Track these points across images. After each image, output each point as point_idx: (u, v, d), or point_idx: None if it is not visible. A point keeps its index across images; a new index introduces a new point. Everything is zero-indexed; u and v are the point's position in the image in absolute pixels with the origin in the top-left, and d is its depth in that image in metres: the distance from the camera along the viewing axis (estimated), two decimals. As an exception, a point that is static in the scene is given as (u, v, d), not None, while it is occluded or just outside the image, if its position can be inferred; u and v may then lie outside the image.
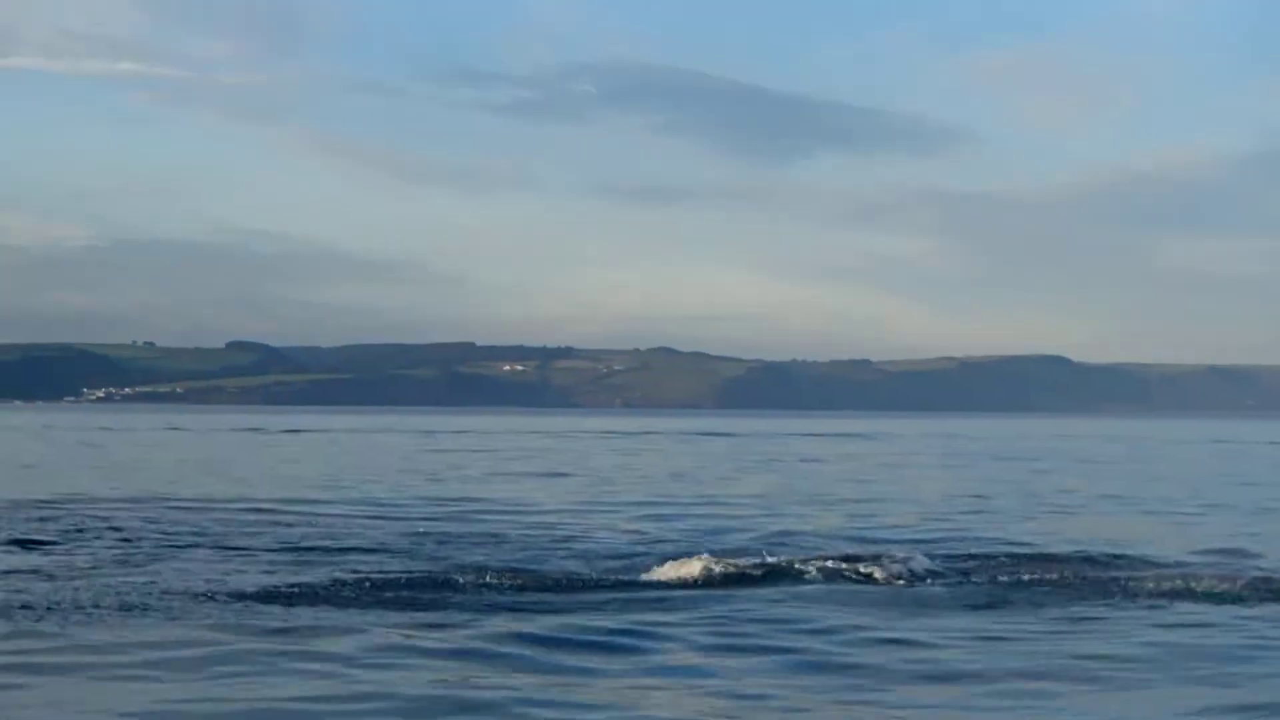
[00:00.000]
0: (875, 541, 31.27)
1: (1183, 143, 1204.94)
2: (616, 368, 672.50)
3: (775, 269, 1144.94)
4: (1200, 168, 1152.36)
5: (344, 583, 23.32)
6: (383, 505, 42.35)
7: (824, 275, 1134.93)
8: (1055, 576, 24.62)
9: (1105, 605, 21.90)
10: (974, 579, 24.85)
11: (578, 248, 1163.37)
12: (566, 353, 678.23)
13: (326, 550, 28.85)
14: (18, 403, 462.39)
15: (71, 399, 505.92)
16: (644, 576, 24.74)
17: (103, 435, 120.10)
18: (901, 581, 24.20)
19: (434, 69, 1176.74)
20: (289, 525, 34.62)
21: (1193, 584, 23.36)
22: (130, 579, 23.66)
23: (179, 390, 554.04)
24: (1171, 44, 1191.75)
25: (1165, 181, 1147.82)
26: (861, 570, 24.85)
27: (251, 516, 37.11)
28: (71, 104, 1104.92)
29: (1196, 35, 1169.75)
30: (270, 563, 26.62)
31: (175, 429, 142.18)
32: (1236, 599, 22.32)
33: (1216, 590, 22.92)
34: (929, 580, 24.51)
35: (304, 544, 29.96)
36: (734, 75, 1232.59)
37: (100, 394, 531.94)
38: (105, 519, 35.37)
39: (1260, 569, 26.34)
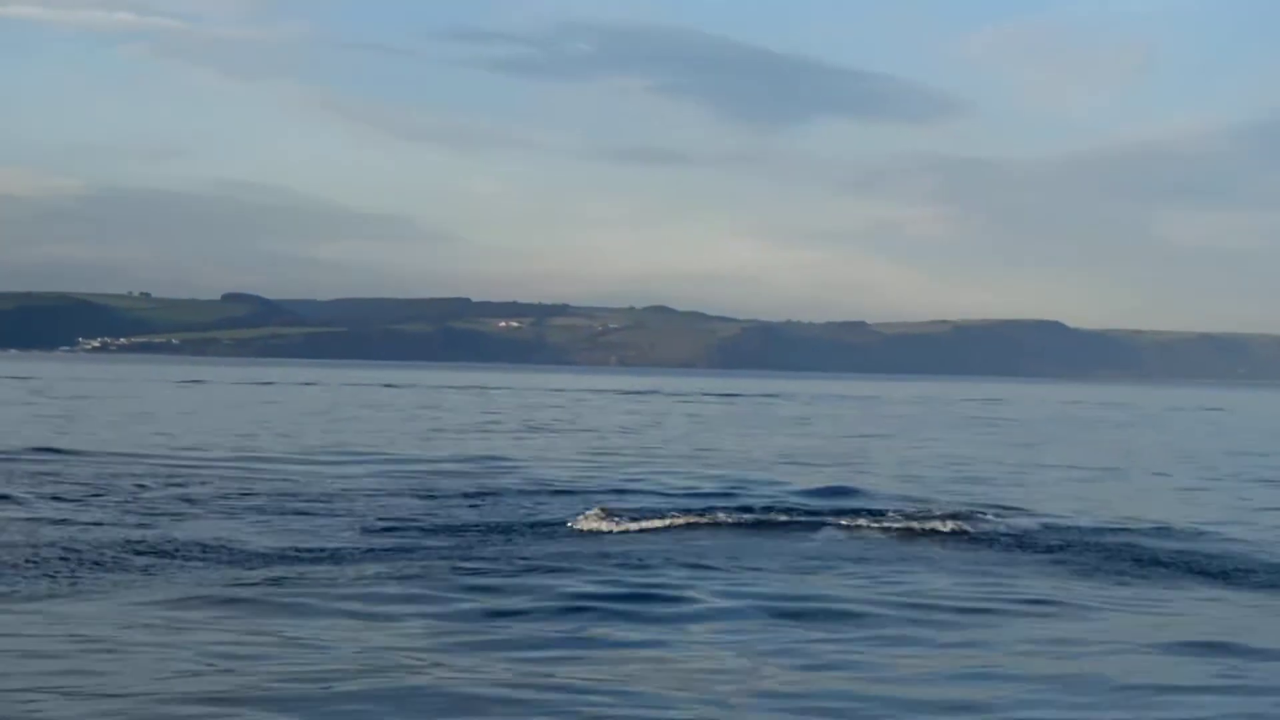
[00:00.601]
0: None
1: (1180, 116, 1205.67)
2: (612, 326, 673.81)
3: (773, 232, 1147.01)
4: (1198, 141, 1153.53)
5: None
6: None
7: (821, 239, 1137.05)
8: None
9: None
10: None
11: (575, 207, 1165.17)
12: (562, 310, 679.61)
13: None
14: (13, 351, 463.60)
15: (67, 349, 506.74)
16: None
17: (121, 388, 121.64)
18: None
19: (432, 26, 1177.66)
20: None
21: None
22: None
23: (174, 341, 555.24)
24: (1171, 18, 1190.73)
25: (1162, 154, 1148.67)
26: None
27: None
28: (69, 55, 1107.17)
29: (1196, 9, 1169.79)
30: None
31: (197, 381, 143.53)
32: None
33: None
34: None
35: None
36: (737, 37, 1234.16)
37: (96, 344, 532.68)
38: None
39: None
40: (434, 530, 26.34)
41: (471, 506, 30.57)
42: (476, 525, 27.10)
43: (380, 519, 27.87)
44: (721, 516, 28.43)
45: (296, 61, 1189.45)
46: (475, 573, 20.98)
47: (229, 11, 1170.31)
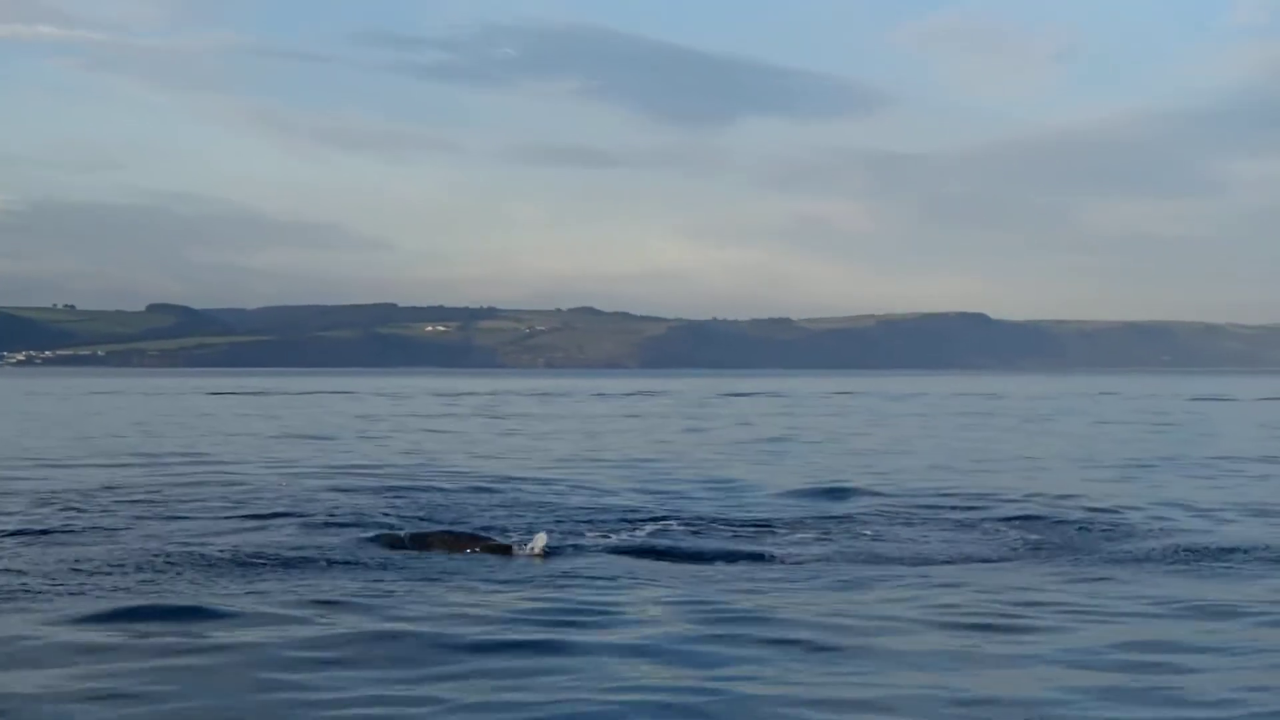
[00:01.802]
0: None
1: (1102, 104, 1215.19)
2: (539, 328, 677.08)
3: (699, 231, 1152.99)
4: (1119, 129, 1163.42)
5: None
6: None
7: (748, 236, 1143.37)
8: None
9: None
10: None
11: (502, 210, 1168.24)
12: (489, 313, 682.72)
13: None
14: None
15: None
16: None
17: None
18: None
19: (353, 32, 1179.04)
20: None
21: None
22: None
23: (99, 353, 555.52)
24: (1090, 6, 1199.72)
25: (1084, 142, 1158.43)
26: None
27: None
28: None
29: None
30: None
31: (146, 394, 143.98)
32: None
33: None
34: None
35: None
36: (662, 37, 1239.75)
37: (20, 357, 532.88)
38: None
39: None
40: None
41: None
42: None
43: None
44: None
45: (222, 71, 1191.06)
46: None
47: (153, 22, 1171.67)
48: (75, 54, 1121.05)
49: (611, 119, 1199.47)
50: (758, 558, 21.44)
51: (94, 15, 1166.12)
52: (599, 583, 18.83)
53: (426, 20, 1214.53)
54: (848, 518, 26.82)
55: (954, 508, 28.62)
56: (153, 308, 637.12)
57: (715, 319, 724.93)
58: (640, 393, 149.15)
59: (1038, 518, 26.46)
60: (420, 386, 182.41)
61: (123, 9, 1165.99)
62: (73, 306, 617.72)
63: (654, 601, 17.62)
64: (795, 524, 25.76)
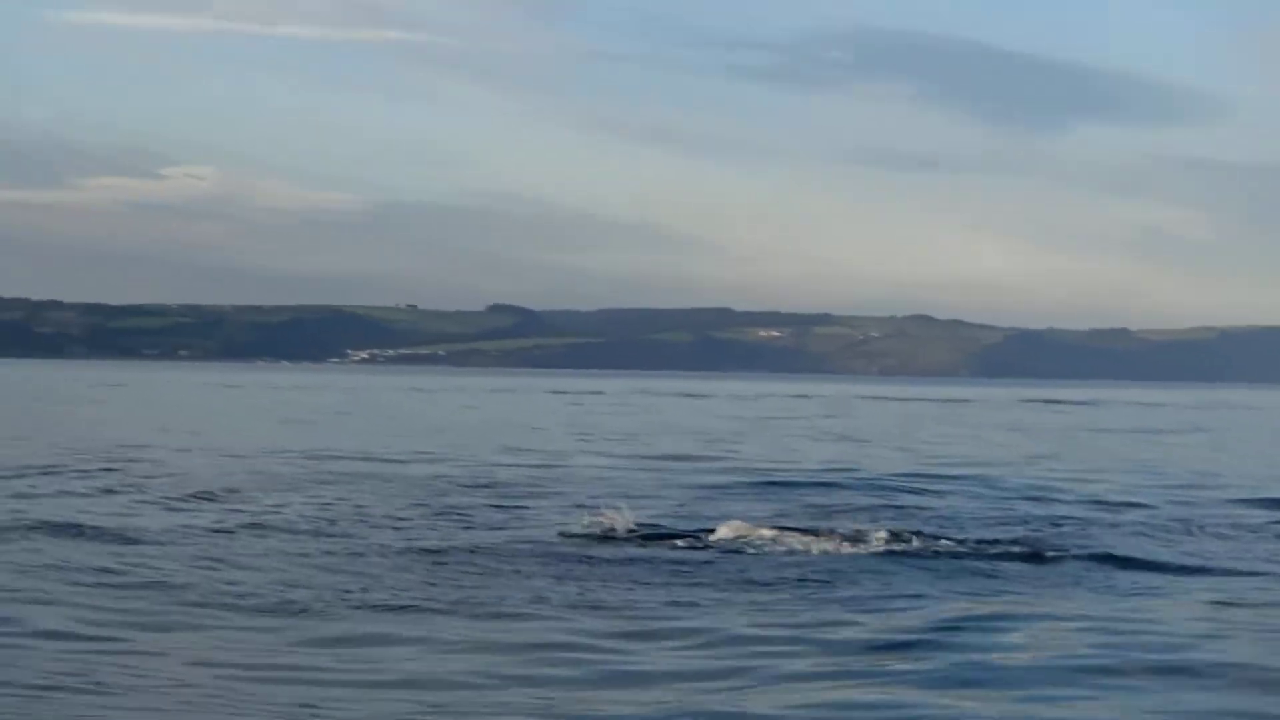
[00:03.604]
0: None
1: None
2: (873, 334, 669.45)
3: (1033, 237, 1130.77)
4: None
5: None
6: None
7: (1082, 244, 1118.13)
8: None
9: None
10: None
11: (835, 215, 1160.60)
12: (823, 319, 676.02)
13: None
14: (284, 363, 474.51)
15: (336, 360, 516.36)
16: None
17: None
18: None
19: (688, 37, 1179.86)
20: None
21: None
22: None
23: (440, 352, 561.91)
24: None
25: None
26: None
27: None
28: (338, 72, 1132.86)
29: None
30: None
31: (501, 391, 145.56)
32: None
33: None
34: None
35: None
36: (994, 42, 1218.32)
37: (364, 355, 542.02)
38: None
39: None
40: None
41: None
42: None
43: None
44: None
45: (560, 73, 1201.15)
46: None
47: (497, 26, 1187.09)
48: (419, 58, 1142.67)
49: (943, 124, 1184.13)
50: None
51: (441, 20, 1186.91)
52: None
53: (761, 25, 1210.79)
54: None
55: None
56: (493, 308, 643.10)
57: (1051, 328, 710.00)
58: (1064, 402, 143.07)
59: None
60: (842, 391, 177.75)
61: (470, 14, 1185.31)
62: (415, 306, 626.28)
63: None
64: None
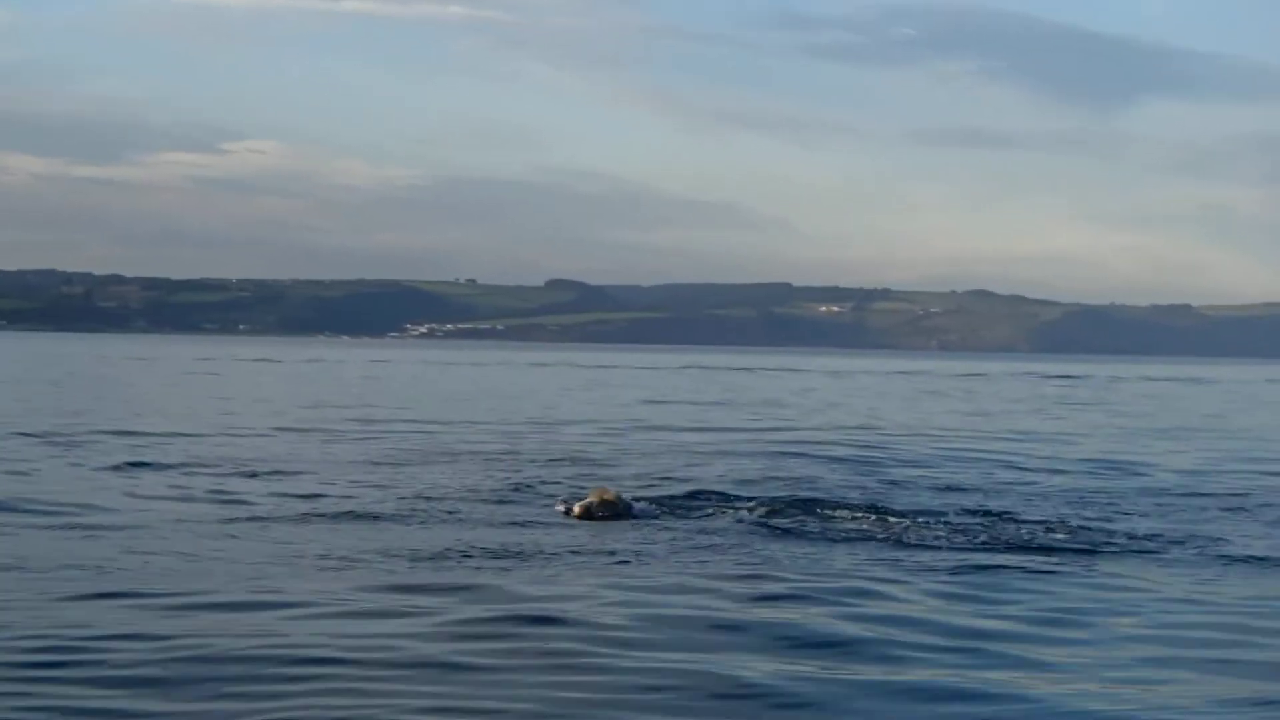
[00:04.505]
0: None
1: None
2: (933, 310, 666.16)
3: (1096, 214, 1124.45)
4: None
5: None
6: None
7: (1147, 221, 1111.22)
8: None
9: None
10: None
11: (897, 192, 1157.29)
12: (883, 294, 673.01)
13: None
14: (345, 337, 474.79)
15: (395, 335, 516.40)
16: None
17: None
18: None
19: (757, 13, 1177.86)
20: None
21: None
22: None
23: (499, 327, 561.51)
24: None
25: None
26: None
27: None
28: (402, 48, 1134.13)
29: None
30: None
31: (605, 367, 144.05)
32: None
33: None
34: None
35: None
36: (1062, 18, 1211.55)
37: (423, 329, 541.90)
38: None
39: None
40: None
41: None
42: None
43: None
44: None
45: (625, 50, 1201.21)
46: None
47: (559, 3, 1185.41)
48: (483, 34, 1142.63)
49: (1010, 100, 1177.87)
50: None
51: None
52: None
53: (831, 2, 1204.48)
54: None
55: None
56: (551, 283, 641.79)
57: (1114, 304, 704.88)
58: (1173, 379, 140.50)
59: None
60: (934, 368, 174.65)
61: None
62: (474, 281, 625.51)
63: None
64: None
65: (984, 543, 20.90)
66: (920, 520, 22.91)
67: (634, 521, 22.18)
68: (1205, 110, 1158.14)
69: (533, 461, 33.40)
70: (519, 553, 19.18)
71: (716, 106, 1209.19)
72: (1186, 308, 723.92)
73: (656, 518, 22.72)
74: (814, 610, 15.78)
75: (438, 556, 18.80)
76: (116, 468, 30.05)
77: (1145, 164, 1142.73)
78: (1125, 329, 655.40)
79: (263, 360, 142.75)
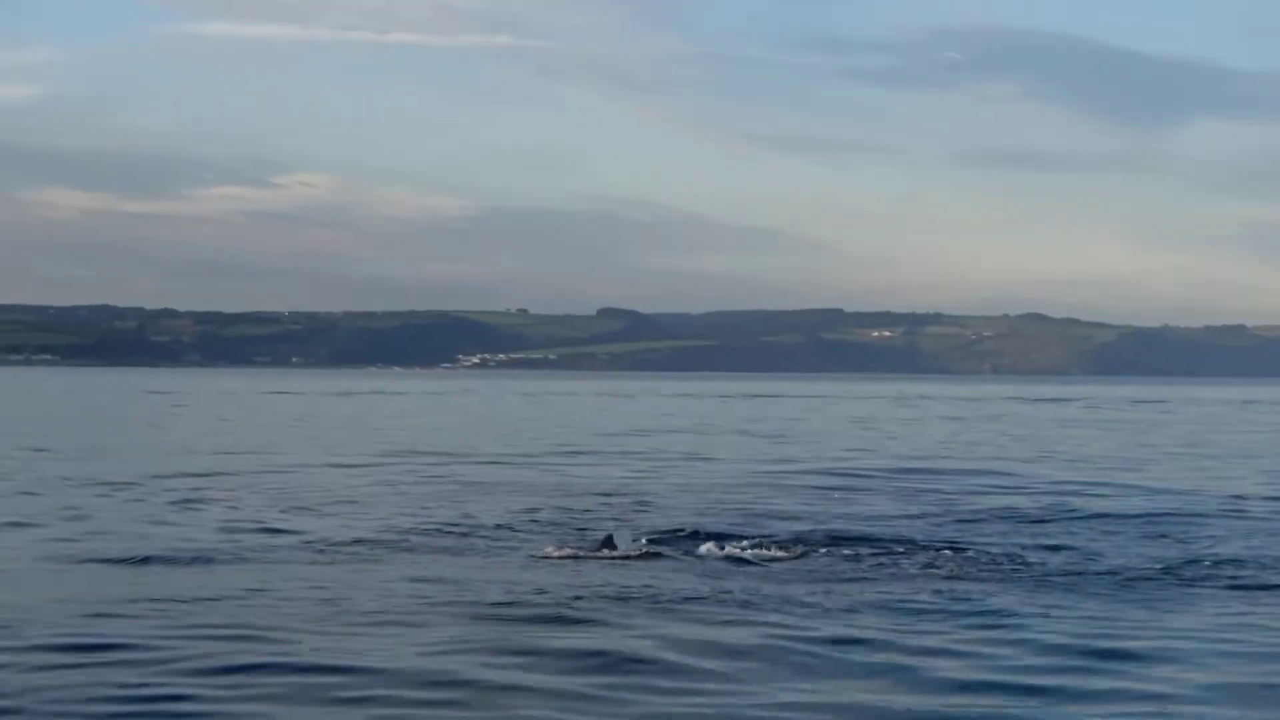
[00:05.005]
0: None
1: None
2: (985, 334, 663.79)
3: (1146, 235, 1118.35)
4: None
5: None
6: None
7: (1198, 242, 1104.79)
8: None
9: None
10: None
11: (946, 215, 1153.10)
12: (935, 319, 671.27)
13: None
14: (397, 369, 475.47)
15: (448, 365, 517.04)
16: None
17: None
18: None
19: (799, 39, 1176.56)
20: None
21: None
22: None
23: (551, 356, 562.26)
24: None
25: None
26: None
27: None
28: (449, 78, 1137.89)
29: None
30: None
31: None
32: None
33: None
34: None
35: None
36: (1107, 40, 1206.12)
37: (475, 360, 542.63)
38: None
39: None
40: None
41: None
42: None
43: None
44: None
45: (667, 77, 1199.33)
46: None
47: (600, 31, 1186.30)
48: (526, 62, 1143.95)
49: (1056, 122, 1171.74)
50: None
51: (550, 24, 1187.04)
52: None
53: (874, 25, 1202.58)
54: None
55: None
56: (603, 312, 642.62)
57: (1167, 325, 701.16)
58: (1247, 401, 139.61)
59: None
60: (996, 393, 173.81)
61: (579, 18, 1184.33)
62: (526, 310, 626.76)
63: None
64: None
65: None
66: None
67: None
68: (1253, 129, 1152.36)
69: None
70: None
71: (758, 131, 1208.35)
72: (1240, 328, 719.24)
73: None
74: None
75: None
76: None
77: (1194, 184, 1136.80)
78: (1179, 350, 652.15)
79: (376, 393, 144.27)
